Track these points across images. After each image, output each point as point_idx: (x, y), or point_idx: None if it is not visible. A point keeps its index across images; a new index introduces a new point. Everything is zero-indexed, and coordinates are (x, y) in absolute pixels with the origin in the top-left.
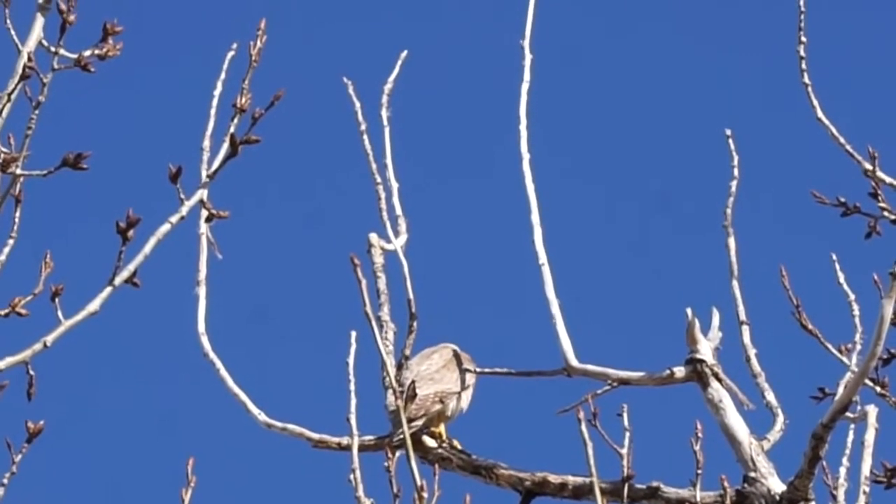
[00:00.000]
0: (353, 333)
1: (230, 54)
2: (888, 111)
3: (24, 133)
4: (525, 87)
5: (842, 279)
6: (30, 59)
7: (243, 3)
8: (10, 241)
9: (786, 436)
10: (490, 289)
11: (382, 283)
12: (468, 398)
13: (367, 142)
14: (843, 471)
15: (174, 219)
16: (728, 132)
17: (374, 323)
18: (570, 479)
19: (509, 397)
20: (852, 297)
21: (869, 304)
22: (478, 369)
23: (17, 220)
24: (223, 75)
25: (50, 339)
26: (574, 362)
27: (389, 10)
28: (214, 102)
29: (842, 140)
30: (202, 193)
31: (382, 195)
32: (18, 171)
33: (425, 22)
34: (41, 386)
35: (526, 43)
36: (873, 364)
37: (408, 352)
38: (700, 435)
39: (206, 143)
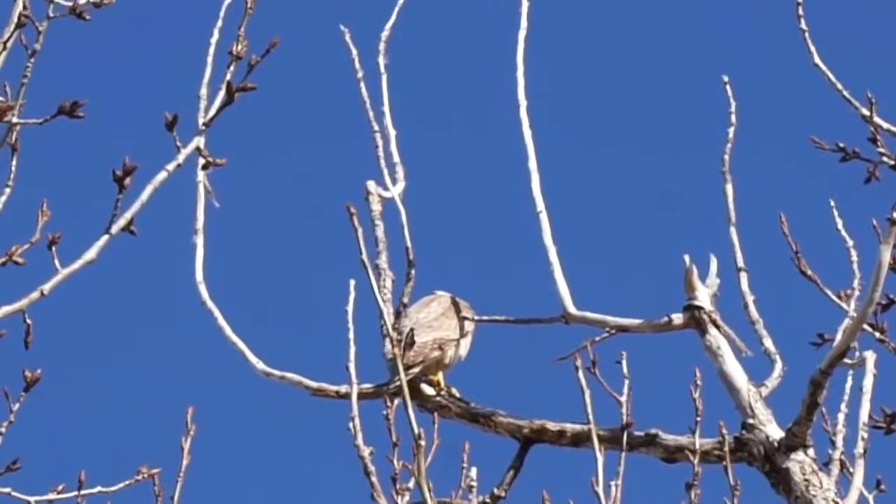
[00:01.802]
0: (352, 282)
1: (227, 1)
2: (885, 56)
3: (19, 81)
4: (522, 34)
5: (840, 225)
6: (25, 7)
7: None
8: (7, 190)
9: (784, 382)
10: (488, 236)
11: (380, 231)
12: (467, 346)
13: (364, 89)
14: (841, 417)
15: (171, 166)
16: (725, 78)
17: (371, 271)
18: (569, 426)
19: (508, 345)
20: (851, 242)
21: (868, 250)
22: (476, 317)
23: (13, 168)
24: (220, 22)
25: (47, 287)
26: (572, 309)
27: None
28: (211, 50)
29: (839, 86)
30: (199, 141)
31: (380, 143)
32: (14, 120)
33: None
34: (38, 335)
35: None
36: (872, 310)
37: (406, 300)
38: (699, 382)
39: (203, 91)
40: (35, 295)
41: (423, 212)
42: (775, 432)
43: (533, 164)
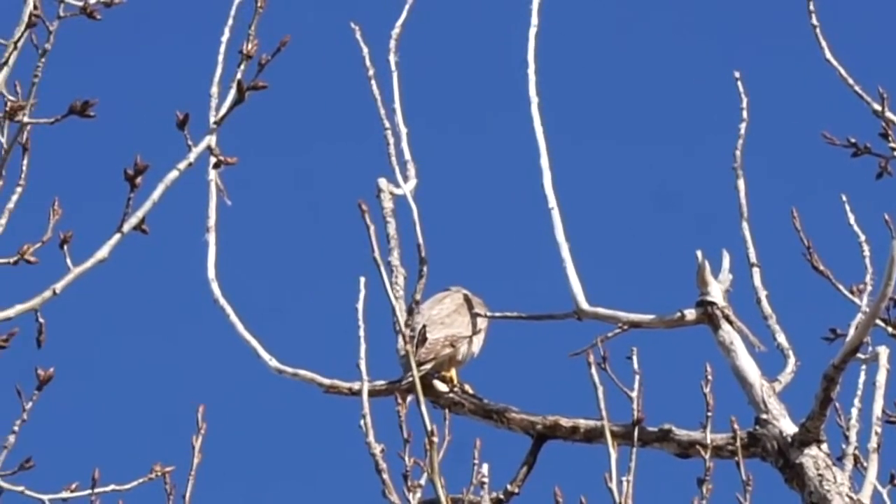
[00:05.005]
0: (363, 279)
1: (237, 0)
2: None
3: (31, 81)
4: (533, 31)
5: (852, 220)
6: (36, 7)
7: None
8: (19, 189)
9: (797, 377)
10: (500, 233)
11: (392, 229)
12: (479, 342)
13: (375, 87)
14: (854, 412)
15: (182, 165)
16: (737, 74)
17: (382, 268)
18: (582, 422)
19: (521, 341)
20: (863, 237)
21: (880, 245)
22: (489, 313)
23: (25, 167)
24: (230, 21)
25: (59, 286)
26: (585, 305)
27: None
28: (222, 49)
29: (851, 81)
30: (210, 140)
31: (391, 140)
32: (26, 119)
33: None
34: (51, 333)
35: None
36: (884, 304)
37: (418, 297)
38: (710, 377)
39: (214, 90)
40: (47, 294)
41: (435, 209)
42: (789, 427)
43: (545, 161)
